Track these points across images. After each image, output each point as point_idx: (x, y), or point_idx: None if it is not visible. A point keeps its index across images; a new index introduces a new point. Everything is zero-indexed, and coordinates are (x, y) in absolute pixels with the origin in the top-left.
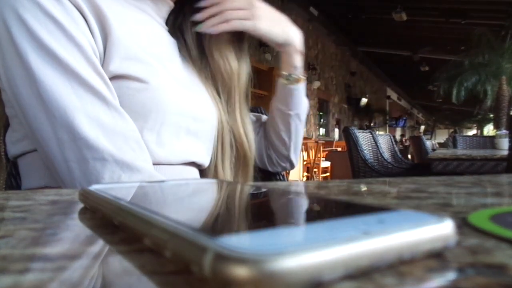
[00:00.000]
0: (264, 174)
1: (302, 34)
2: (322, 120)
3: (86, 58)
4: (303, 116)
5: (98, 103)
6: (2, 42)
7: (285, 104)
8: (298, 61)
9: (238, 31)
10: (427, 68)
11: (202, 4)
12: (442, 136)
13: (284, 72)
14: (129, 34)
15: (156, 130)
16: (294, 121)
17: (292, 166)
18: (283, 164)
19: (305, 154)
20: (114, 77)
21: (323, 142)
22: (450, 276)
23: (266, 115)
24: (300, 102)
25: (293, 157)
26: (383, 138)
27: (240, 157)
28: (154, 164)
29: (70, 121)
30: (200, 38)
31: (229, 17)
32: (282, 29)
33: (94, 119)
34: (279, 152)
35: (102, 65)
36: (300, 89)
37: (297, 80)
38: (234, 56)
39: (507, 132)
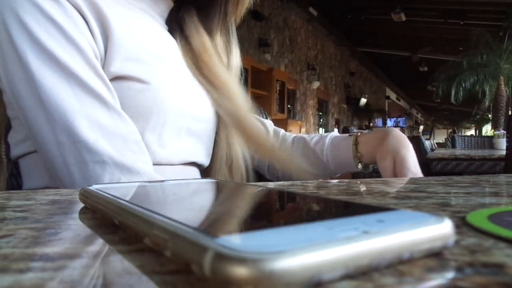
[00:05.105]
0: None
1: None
2: (321, 120)
3: (86, 60)
4: None
5: (98, 105)
6: (2, 44)
7: (338, 168)
8: None
9: (227, 27)
10: (426, 69)
11: None
12: (441, 136)
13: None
14: (130, 35)
15: (158, 131)
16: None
17: None
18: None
19: None
20: (115, 78)
21: None
22: (449, 275)
23: (266, 116)
24: None
25: None
26: None
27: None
28: (154, 164)
29: (69, 123)
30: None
31: None
32: None
33: (94, 122)
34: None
35: (103, 66)
36: None
37: None
38: (233, 51)
39: (505, 132)
